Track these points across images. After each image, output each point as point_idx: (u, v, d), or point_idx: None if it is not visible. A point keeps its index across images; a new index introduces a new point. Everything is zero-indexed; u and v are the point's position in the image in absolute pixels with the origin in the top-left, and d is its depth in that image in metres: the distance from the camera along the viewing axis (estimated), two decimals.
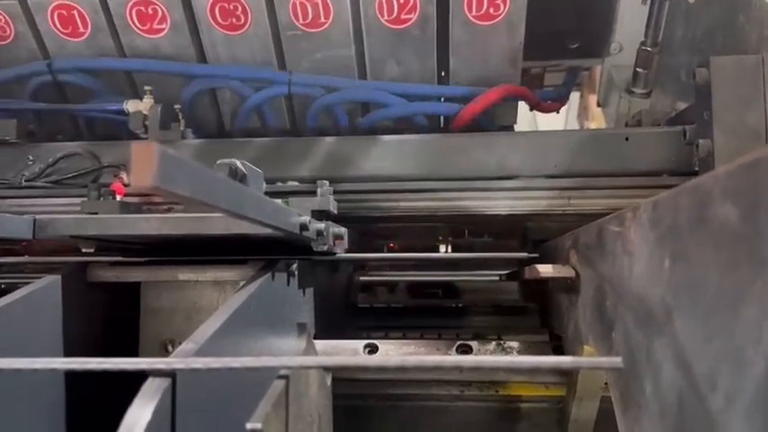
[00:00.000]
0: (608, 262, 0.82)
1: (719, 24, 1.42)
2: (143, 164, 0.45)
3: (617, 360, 0.63)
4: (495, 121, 1.77)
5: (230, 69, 1.70)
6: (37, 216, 0.95)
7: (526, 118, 2.27)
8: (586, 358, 0.83)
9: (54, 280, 0.94)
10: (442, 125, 1.82)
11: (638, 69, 1.85)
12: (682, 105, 1.62)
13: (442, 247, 2.24)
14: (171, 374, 0.60)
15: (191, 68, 1.70)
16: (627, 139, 1.47)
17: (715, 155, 1.24)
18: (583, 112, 3.10)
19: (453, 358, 0.62)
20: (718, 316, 0.49)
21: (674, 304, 0.58)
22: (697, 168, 1.38)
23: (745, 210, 0.44)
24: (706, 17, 1.48)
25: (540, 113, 1.92)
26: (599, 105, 2.28)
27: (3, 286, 1.61)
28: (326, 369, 1.08)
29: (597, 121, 2.79)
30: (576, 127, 3.27)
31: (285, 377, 0.75)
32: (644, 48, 1.77)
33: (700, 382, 0.52)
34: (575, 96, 3.02)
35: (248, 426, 0.71)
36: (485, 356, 0.78)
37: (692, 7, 1.54)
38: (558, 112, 1.88)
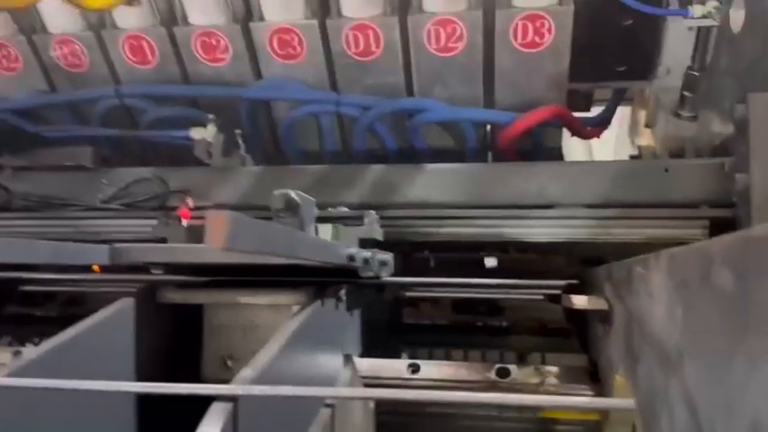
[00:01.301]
0: (635, 300, 0.87)
1: (762, 56, 1.43)
2: (216, 229, 0.54)
3: (629, 402, 0.69)
4: (542, 142, 1.81)
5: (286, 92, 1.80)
6: (113, 245, 1.06)
7: None
8: (601, 399, 0.88)
9: (128, 302, 1.05)
10: (489, 140, 1.86)
11: (684, 93, 1.85)
12: (726, 132, 1.62)
13: (488, 261, 2.28)
14: (233, 399, 0.69)
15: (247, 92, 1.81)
16: (666, 170, 1.49)
17: (752, 189, 1.26)
18: (634, 127, 3.08)
19: (488, 396, 0.69)
20: (716, 367, 0.55)
21: (685, 350, 0.63)
22: (735, 200, 1.39)
23: (737, 277, 0.50)
24: (749, 48, 1.49)
25: None
26: (647, 126, 2.28)
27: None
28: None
29: (647, 137, 2.77)
30: (627, 142, 3.25)
31: (332, 405, 0.83)
32: (691, 72, 1.78)
33: (704, 426, 0.57)
34: (626, 111, 3.01)
35: None
36: (515, 395, 0.84)
37: (737, 37, 1.55)
38: (599, 137, 1.90)
